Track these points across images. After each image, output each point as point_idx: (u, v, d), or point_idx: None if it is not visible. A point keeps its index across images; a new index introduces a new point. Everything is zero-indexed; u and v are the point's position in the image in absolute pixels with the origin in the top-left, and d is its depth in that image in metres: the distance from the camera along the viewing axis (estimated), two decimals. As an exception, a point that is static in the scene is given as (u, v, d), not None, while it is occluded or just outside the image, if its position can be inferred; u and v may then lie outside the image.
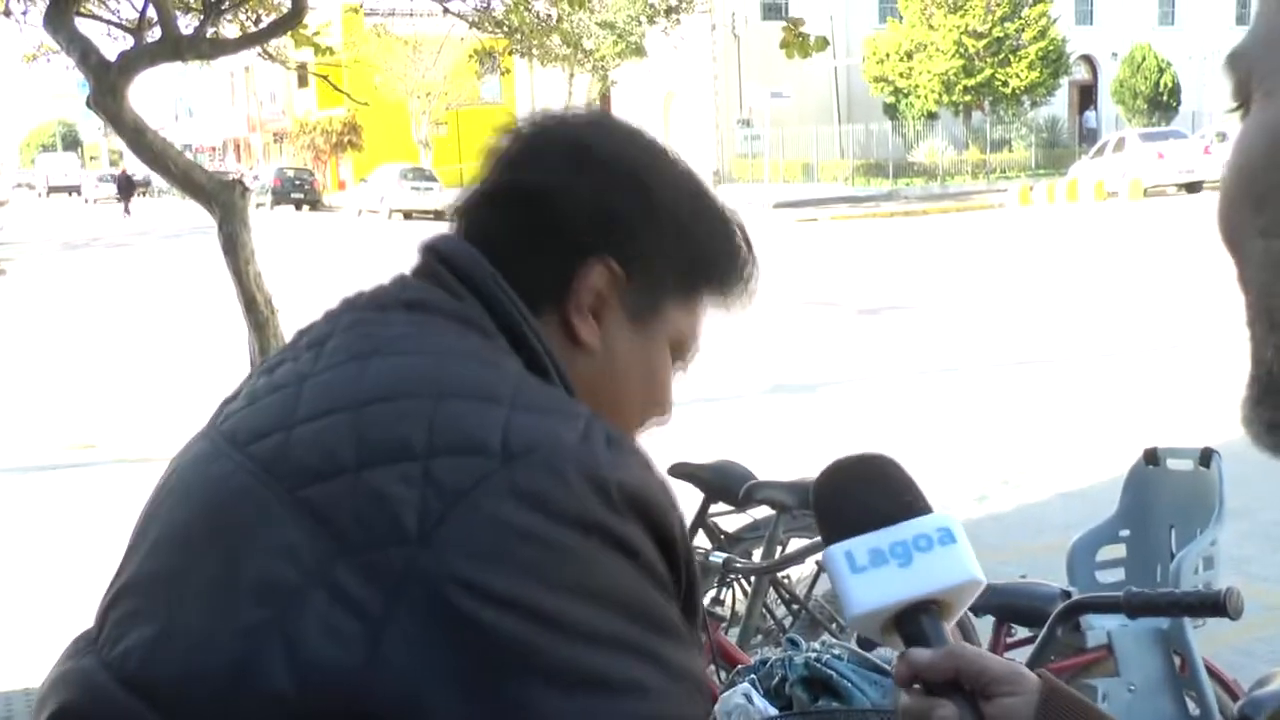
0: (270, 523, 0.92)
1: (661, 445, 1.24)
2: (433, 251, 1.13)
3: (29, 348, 13.46)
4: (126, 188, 46.17)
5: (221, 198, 4.63)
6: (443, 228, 1.21)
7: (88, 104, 4.75)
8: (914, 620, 0.99)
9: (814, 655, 1.80)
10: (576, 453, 0.92)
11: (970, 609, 3.15)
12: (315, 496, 0.91)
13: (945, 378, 9.52)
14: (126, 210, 44.28)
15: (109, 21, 6.48)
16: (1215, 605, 2.14)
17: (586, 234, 1.12)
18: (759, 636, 3.44)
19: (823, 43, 6.82)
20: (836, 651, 1.81)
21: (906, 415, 8.40)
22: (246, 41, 6.12)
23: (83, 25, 5.51)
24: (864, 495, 1.02)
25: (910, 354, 10.59)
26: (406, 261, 1.16)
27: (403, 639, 0.85)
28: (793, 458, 6.59)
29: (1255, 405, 0.59)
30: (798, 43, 6.63)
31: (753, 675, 1.83)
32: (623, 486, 0.92)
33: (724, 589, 3.06)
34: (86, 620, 1.02)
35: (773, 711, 1.75)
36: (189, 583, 0.94)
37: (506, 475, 0.89)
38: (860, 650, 1.79)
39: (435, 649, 0.85)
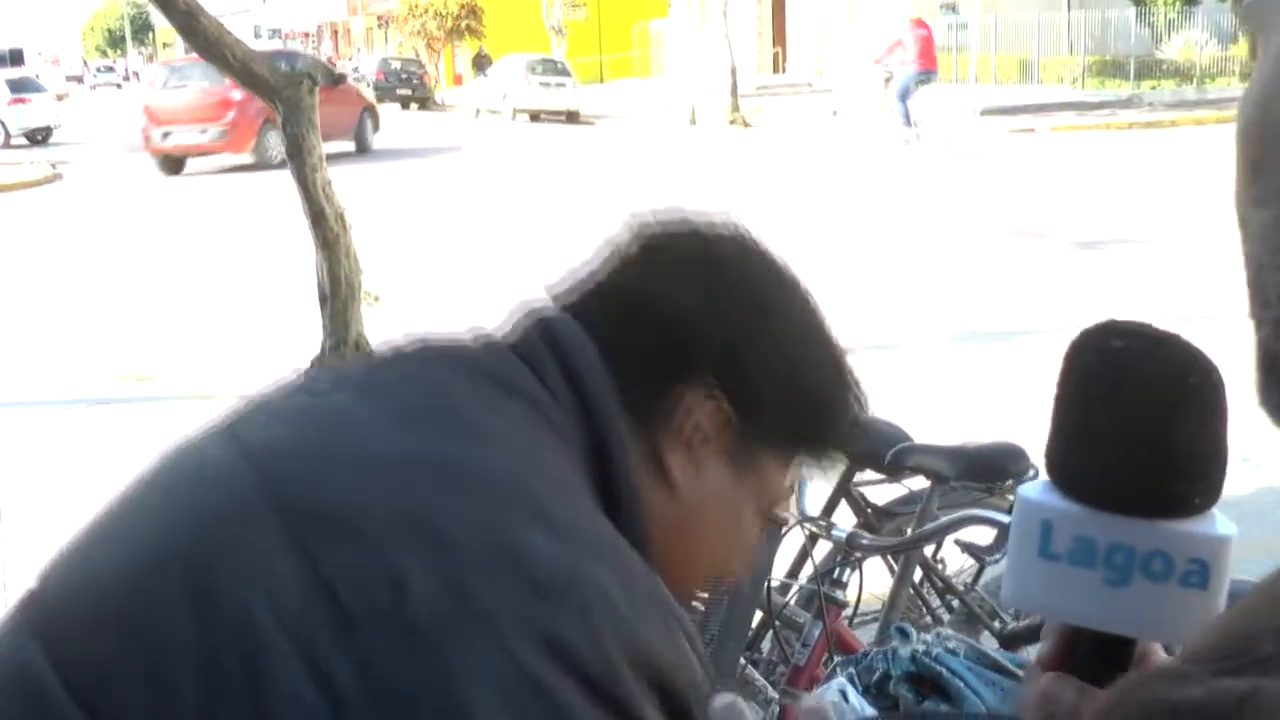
0: (258, 554, 0.96)
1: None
2: (544, 330, 1.17)
3: (85, 265, 13.97)
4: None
5: (285, 94, 4.62)
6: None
7: (134, -18, 4.87)
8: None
9: (923, 648, 1.83)
10: (615, 608, 0.96)
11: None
12: (317, 547, 0.96)
13: (1174, 329, 9.31)
14: None
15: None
16: None
17: (701, 360, 1.15)
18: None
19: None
20: (951, 645, 1.84)
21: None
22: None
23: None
24: (1118, 438, 0.83)
25: (1132, 299, 10.35)
26: (503, 325, 1.19)
27: None
28: (976, 418, 6.54)
29: (1262, 390, 0.63)
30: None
31: (851, 669, 1.87)
32: (652, 657, 0.97)
33: (848, 569, 3.08)
34: None
35: (871, 712, 1.78)
36: (154, 592, 0.98)
37: (537, 612, 0.94)
38: (979, 645, 1.81)
39: None
